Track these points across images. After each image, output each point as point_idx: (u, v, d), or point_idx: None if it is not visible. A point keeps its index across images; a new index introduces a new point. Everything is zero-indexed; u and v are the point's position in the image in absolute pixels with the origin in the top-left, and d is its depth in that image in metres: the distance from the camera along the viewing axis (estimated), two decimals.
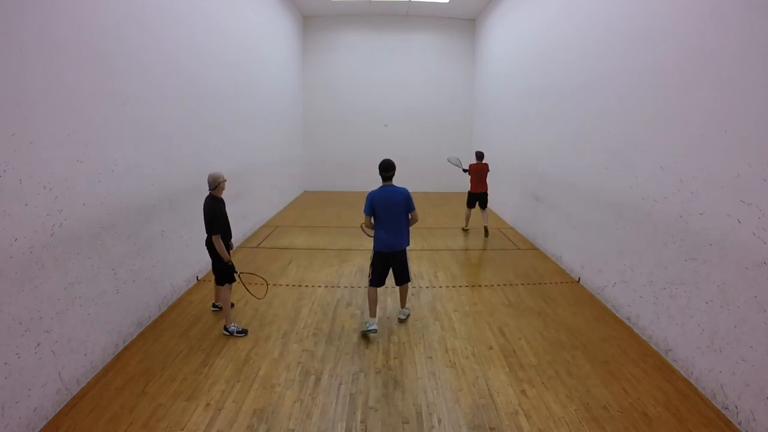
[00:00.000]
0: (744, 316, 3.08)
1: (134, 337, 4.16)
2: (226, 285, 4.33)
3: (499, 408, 3.24)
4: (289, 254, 6.92)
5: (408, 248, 4.46)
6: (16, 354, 2.78)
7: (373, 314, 4.39)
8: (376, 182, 4.30)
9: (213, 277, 4.51)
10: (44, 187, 3.04)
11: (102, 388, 3.39)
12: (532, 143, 7.99)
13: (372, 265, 4.39)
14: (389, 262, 4.39)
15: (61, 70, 3.21)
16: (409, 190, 4.24)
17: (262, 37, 8.88)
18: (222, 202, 4.27)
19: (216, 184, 4.19)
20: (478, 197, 8.07)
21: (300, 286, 5.58)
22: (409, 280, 4.58)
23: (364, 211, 4.22)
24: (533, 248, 7.44)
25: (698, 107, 3.63)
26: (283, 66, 10.67)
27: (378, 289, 4.42)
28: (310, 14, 12.53)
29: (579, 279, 5.82)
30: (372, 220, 4.26)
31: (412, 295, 5.30)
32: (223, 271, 4.29)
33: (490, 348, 4.09)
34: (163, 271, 4.75)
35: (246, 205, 7.76)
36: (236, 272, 4.30)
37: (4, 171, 2.70)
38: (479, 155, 8.13)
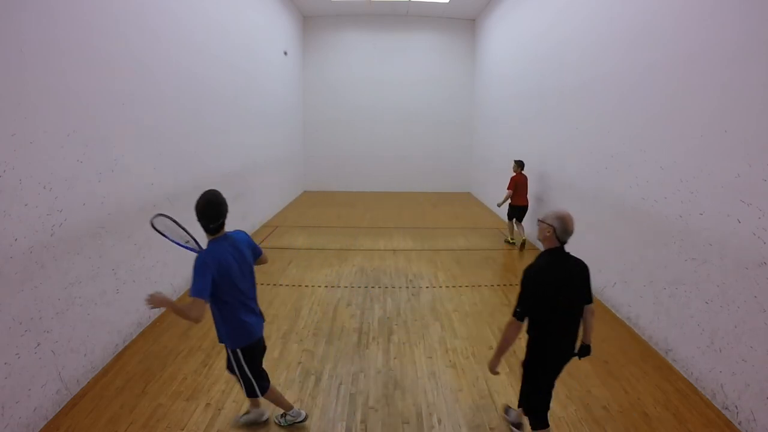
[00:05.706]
0: (744, 316, 3.08)
1: (134, 337, 4.16)
2: None
3: (499, 408, 3.25)
4: (289, 254, 6.92)
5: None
6: (16, 354, 2.78)
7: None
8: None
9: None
10: (44, 187, 3.04)
11: (102, 388, 3.39)
12: (532, 143, 7.98)
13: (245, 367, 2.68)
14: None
15: (61, 70, 3.21)
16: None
17: (262, 37, 8.87)
18: None
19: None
20: (519, 210, 7.37)
21: (300, 286, 5.58)
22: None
23: (197, 292, 2.30)
24: (534, 248, 7.44)
25: (698, 107, 3.63)
26: (283, 66, 10.67)
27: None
28: (310, 14, 12.53)
29: None
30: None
31: (413, 295, 5.31)
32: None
33: (490, 348, 4.08)
34: (163, 271, 4.75)
35: (246, 204, 7.76)
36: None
37: (4, 171, 2.70)
38: (520, 164, 7.33)
